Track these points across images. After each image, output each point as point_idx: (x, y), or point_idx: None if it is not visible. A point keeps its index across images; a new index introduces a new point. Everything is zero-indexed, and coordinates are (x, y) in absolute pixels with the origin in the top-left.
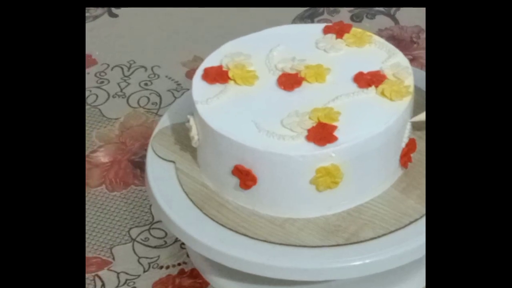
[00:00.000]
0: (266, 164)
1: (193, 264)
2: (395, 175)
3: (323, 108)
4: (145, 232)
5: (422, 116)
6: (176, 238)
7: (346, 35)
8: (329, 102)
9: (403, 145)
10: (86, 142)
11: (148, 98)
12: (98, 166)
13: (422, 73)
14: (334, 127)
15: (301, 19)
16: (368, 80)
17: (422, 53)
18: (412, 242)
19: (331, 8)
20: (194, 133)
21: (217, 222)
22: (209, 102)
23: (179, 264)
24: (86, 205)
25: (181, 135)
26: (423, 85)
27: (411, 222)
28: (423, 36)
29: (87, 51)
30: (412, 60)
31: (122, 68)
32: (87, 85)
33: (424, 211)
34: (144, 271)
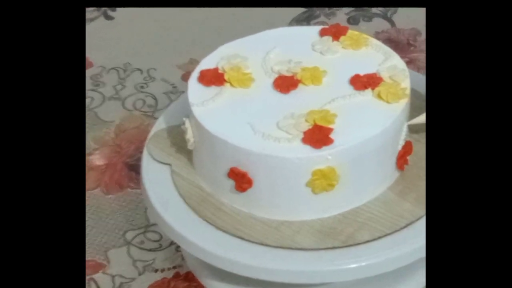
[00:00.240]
0: (262, 167)
1: (188, 267)
2: (392, 177)
3: (319, 111)
4: (140, 235)
5: (419, 119)
6: (172, 241)
7: (342, 38)
8: (325, 104)
9: (400, 147)
10: None
11: (144, 101)
12: (94, 169)
13: (419, 76)
14: (330, 130)
15: (297, 22)
16: (364, 82)
17: (418, 56)
18: (409, 244)
19: (328, 11)
20: (189, 135)
21: (212, 225)
22: (205, 104)
23: (174, 267)
24: None
25: (176, 138)
26: (419, 88)
27: (407, 225)
28: (419, 38)
29: None
30: (408, 63)
31: (117, 71)
32: None
33: (420, 213)
34: (139, 274)
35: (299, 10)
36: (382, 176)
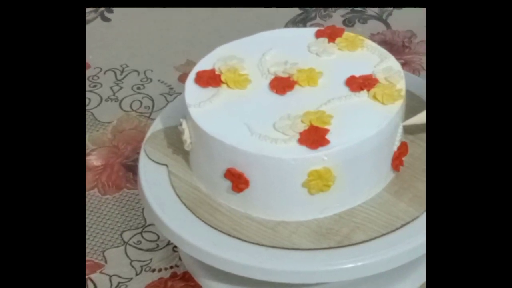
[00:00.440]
0: (259, 167)
1: (185, 267)
2: (387, 178)
3: (315, 112)
4: (137, 235)
5: (414, 120)
6: (169, 241)
7: (338, 39)
8: (321, 105)
9: (395, 148)
10: None
11: (141, 102)
12: (91, 170)
13: (414, 77)
14: (326, 131)
15: (293, 24)
16: (360, 83)
17: (414, 58)
18: (404, 244)
19: (324, 13)
20: (186, 136)
21: (209, 225)
22: (201, 105)
23: (171, 267)
24: None
25: (173, 139)
26: (415, 89)
27: (403, 225)
28: (415, 40)
29: None
30: (404, 65)
31: (114, 72)
32: None
33: (415, 214)
34: (137, 274)
35: (295, 11)
36: (378, 177)
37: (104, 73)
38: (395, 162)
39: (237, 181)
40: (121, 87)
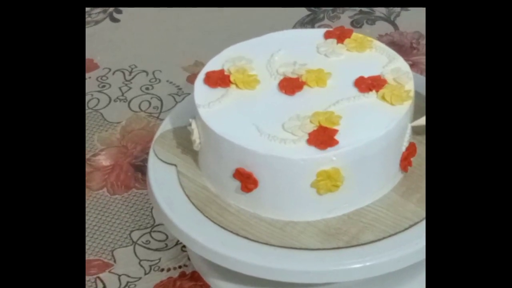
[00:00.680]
0: (267, 168)
1: (194, 267)
2: (395, 179)
3: (324, 112)
4: (146, 235)
5: (422, 121)
6: (177, 241)
7: (347, 40)
8: (330, 106)
9: (403, 149)
10: (87, 145)
11: (150, 102)
12: (100, 170)
13: (422, 78)
14: (335, 131)
15: (301, 25)
16: (368, 84)
17: (421, 59)
18: (412, 245)
19: (332, 14)
20: (195, 136)
21: (218, 225)
22: (211, 105)
23: (180, 267)
24: (87, 208)
25: (182, 139)
26: (423, 90)
27: (411, 226)
28: (422, 41)
29: (89, 56)
30: (412, 66)
31: (123, 73)
32: (89, 89)
33: (424, 214)
34: (145, 274)
35: (303, 13)
36: (386, 177)
37: (113, 73)
38: (403, 163)
39: (246, 181)
40: (130, 88)
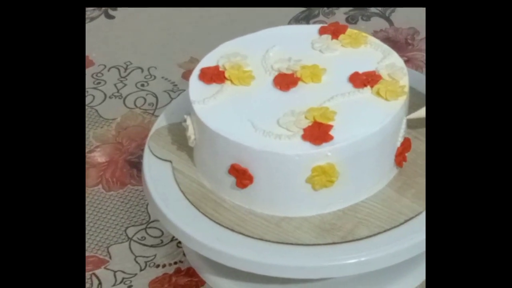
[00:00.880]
0: (263, 163)
1: (189, 263)
2: (390, 174)
3: (319, 108)
4: (141, 231)
5: (418, 114)
6: (173, 237)
7: (341, 36)
8: (325, 101)
9: (398, 144)
10: None
11: (145, 99)
12: (95, 166)
13: (417, 74)
14: (330, 127)
15: (296, 21)
16: (363, 80)
17: (417, 55)
18: (407, 240)
19: (327, 10)
20: (190, 132)
21: (213, 221)
22: (206, 102)
23: (175, 263)
24: None
25: (177, 135)
26: (417, 86)
27: (406, 221)
28: (418, 37)
29: None
30: (407, 62)
31: (118, 69)
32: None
33: (419, 209)
34: (141, 270)
35: (298, 9)
36: (381, 172)
37: (108, 70)
38: (398, 158)
39: (241, 177)
40: (125, 84)
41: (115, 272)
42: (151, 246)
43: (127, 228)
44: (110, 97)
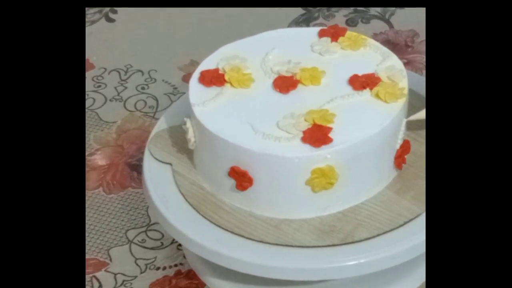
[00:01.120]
0: (262, 166)
1: (190, 265)
2: (390, 176)
3: (319, 110)
4: (142, 233)
5: (417, 115)
6: (173, 240)
7: (341, 39)
8: (324, 104)
9: (398, 146)
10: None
11: (145, 102)
12: (96, 169)
13: (417, 76)
14: (329, 129)
15: (296, 24)
16: (362, 82)
17: (416, 57)
18: (407, 242)
19: (326, 13)
20: (190, 135)
21: (213, 223)
22: (205, 104)
23: (175, 265)
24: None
25: (177, 138)
26: (417, 88)
27: (405, 223)
28: (417, 40)
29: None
30: (406, 64)
31: (119, 72)
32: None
33: (418, 211)
34: (141, 272)
35: (298, 12)
36: (381, 174)
37: (109, 73)
38: (397, 160)
39: (241, 179)
40: (126, 87)
41: (115, 274)
42: (152, 248)
43: (127, 230)
44: (110, 100)
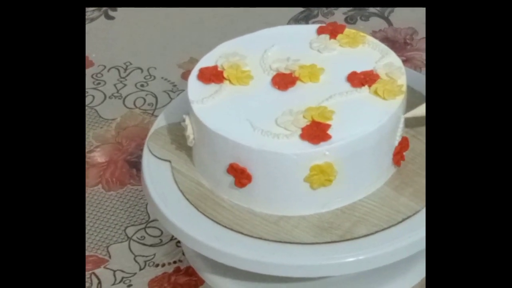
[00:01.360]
0: (261, 162)
1: (189, 262)
2: (388, 173)
3: (317, 107)
4: (141, 230)
5: (416, 112)
6: (172, 237)
7: (339, 36)
8: (323, 101)
9: (396, 143)
10: None
11: (144, 99)
12: (95, 166)
13: (415, 73)
14: (328, 126)
15: (295, 21)
16: (361, 79)
17: (415, 54)
18: (405, 238)
19: (326, 10)
20: (189, 132)
21: (212, 220)
22: (204, 101)
23: (174, 262)
24: None
25: (176, 135)
26: (415, 85)
27: (404, 219)
28: (416, 37)
29: None
30: (405, 61)
31: (118, 70)
32: None
33: (417, 208)
34: (140, 269)
35: (298, 9)
36: (379, 171)
37: (108, 70)
38: (396, 157)
39: (240, 176)
40: (125, 85)
41: (114, 271)
42: (151, 245)
43: (126, 227)
44: (110, 98)
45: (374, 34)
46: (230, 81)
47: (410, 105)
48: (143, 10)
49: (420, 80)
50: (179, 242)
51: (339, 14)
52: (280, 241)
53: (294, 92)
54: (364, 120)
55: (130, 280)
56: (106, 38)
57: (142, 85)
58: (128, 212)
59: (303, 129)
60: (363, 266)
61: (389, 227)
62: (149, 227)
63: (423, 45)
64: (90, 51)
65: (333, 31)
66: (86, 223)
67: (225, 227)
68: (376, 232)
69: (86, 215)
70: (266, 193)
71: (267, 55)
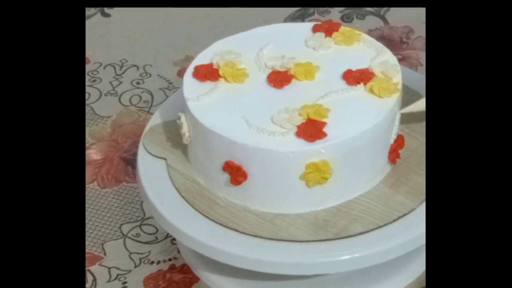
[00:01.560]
0: (257, 160)
1: (184, 260)
2: (384, 171)
3: (313, 105)
4: (136, 228)
5: (411, 108)
6: (167, 234)
7: (335, 34)
8: (319, 99)
9: (392, 141)
10: None
11: (140, 97)
12: (90, 163)
13: (411, 72)
14: (324, 124)
15: (292, 19)
16: (357, 77)
17: (411, 53)
18: (401, 236)
19: (322, 9)
20: (185, 130)
21: (207, 218)
22: (200, 99)
23: (170, 260)
24: None
25: (172, 133)
26: (411, 83)
27: (399, 217)
28: (412, 36)
29: None
30: (401, 60)
31: (114, 67)
32: None
33: (412, 206)
34: (135, 267)
35: (294, 8)
36: (375, 169)
37: (104, 68)
38: (391, 155)
39: (235, 174)
40: (121, 82)
41: (109, 268)
42: (146, 243)
43: (122, 225)
44: (105, 95)
45: (370, 32)
46: (225, 79)
47: (405, 103)
48: (139, 8)
49: (415, 78)
50: (174, 239)
51: (335, 12)
52: (275, 239)
53: (289, 90)
54: (359, 118)
55: (125, 277)
56: (102, 36)
57: (138, 83)
58: (124, 209)
59: (298, 127)
60: (359, 264)
61: (385, 225)
62: (144, 224)
63: (419, 43)
64: (86, 49)
65: (329, 29)
66: None
67: (221, 224)
68: (372, 230)
69: None
70: (262, 191)
71: (263, 53)
